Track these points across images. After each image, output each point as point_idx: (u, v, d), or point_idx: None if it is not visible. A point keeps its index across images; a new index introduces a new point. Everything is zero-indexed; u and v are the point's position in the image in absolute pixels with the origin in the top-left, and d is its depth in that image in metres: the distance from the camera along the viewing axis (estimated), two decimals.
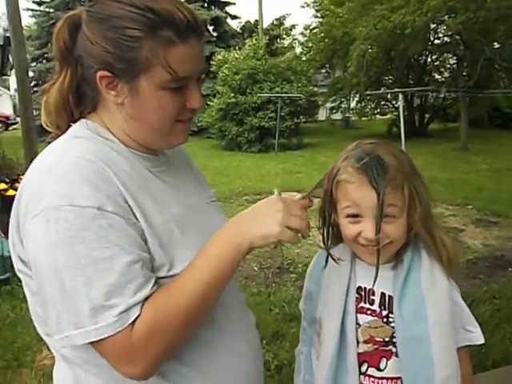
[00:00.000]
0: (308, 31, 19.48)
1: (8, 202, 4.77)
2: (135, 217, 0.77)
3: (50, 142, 0.86)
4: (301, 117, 15.45)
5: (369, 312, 1.01)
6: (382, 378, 1.00)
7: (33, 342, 2.96)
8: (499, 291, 3.70)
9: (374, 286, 0.99)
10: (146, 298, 0.74)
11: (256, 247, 0.80)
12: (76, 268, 0.70)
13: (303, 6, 18.01)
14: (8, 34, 7.16)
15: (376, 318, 1.00)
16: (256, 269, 4.37)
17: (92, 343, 0.72)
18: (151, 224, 0.79)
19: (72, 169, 0.75)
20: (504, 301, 3.51)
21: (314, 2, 18.70)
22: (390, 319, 0.99)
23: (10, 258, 4.08)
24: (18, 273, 0.83)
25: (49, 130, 0.88)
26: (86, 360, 0.80)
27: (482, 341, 1.02)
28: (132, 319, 0.72)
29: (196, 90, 0.84)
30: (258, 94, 14.04)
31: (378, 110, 20.53)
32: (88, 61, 0.81)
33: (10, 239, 0.81)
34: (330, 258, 1.04)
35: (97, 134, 0.84)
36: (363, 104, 19.44)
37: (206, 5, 20.81)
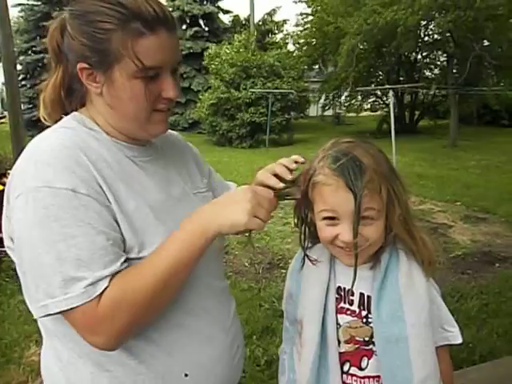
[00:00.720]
0: (300, 26, 19.46)
1: None
2: (108, 200, 0.83)
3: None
4: (292, 113, 15.47)
5: (348, 312, 1.00)
6: (364, 377, 1.00)
7: (20, 338, 2.94)
8: (487, 286, 3.74)
9: (352, 287, 0.98)
10: (116, 274, 0.80)
11: (225, 234, 0.86)
12: (50, 244, 0.77)
13: (295, 2, 17.95)
14: None
15: (356, 318, 1.00)
16: (246, 264, 4.38)
17: (63, 313, 0.78)
18: (123, 208, 0.84)
19: (50, 155, 0.81)
20: (491, 296, 3.55)
21: None
22: (370, 319, 0.98)
23: None
24: (7, 250, 0.89)
25: (47, 123, 0.94)
26: (64, 333, 0.87)
27: (459, 340, 1.01)
28: (99, 292, 0.77)
29: (169, 80, 0.88)
30: (250, 90, 14.02)
31: (369, 106, 20.62)
32: (71, 56, 0.88)
33: (3, 218, 0.87)
34: (306, 263, 1.04)
35: (82, 125, 0.90)
36: (351, 99, 19.49)
37: (198, 0, 20.69)
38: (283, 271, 4.13)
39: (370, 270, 1.00)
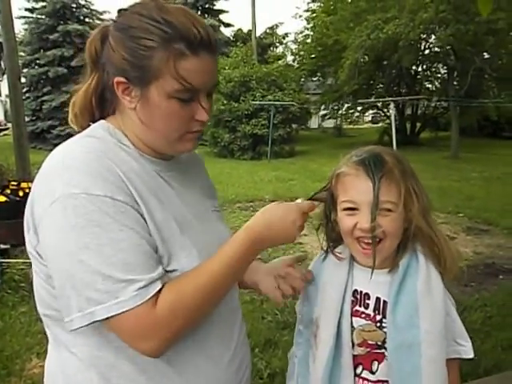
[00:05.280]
0: (300, 38, 19.62)
1: None
2: (140, 209, 0.84)
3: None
4: (293, 125, 15.53)
5: (363, 315, 1.02)
6: (377, 382, 1.00)
7: (22, 350, 2.92)
8: (490, 299, 3.72)
9: (371, 276, 0.99)
10: (164, 278, 0.81)
11: None
12: (95, 249, 0.76)
13: (295, 17, 18.14)
14: (0, 40, 7.15)
15: (370, 321, 1.01)
16: None
17: (110, 320, 0.77)
18: (153, 218, 0.85)
19: (83, 162, 0.81)
20: (495, 308, 3.53)
21: (307, 10, 18.86)
22: (384, 324, 0.99)
23: None
24: (29, 254, 0.88)
25: (74, 127, 0.96)
26: (74, 343, 0.86)
27: (471, 355, 1.01)
28: (152, 294, 0.78)
29: (205, 103, 0.89)
30: (251, 102, 14.10)
31: (370, 118, 20.69)
32: (109, 67, 0.89)
33: (25, 224, 0.87)
34: (328, 259, 1.07)
35: (110, 135, 0.90)
36: (352, 111, 19.61)
37: (199, 13, 20.92)
38: None
39: (388, 274, 1.01)
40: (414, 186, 0.99)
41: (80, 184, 0.78)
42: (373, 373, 1.00)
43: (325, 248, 1.09)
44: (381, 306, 1.00)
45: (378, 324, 1.00)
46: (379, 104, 18.33)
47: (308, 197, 1.02)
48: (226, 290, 0.88)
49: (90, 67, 0.93)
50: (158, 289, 0.79)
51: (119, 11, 0.90)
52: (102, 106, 0.95)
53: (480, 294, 3.83)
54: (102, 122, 0.93)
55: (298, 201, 0.96)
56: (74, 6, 18.75)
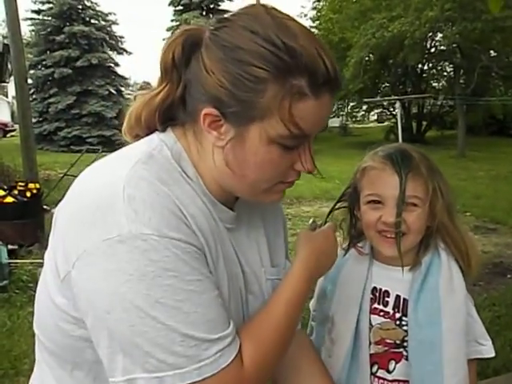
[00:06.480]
0: None
1: (6, 209, 4.75)
2: (207, 257, 0.70)
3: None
4: None
5: (382, 313, 1.01)
6: (392, 381, 1.00)
7: (30, 350, 2.93)
8: (499, 298, 3.69)
9: (402, 271, 0.99)
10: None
11: None
12: (171, 304, 0.62)
13: (300, 16, 18.11)
14: (7, 42, 7.20)
15: (389, 319, 1.01)
16: None
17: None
18: (216, 270, 0.72)
19: (149, 194, 0.64)
20: (504, 308, 3.50)
21: (314, 9, 18.81)
22: (403, 322, 0.99)
23: (7, 265, 4.02)
24: (47, 261, 0.73)
25: (126, 139, 0.79)
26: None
27: (492, 354, 1.02)
28: (236, 352, 0.66)
29: (309, 152, 0.72)
30: None
31: (375, 117, 20.65)
32: (197, 90, 0.69)
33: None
34: (348, 256, 1.07)
35: (173, 158, 0.71)
36: (358, 110, 19.58)
37: (204, 13, 20.94)
38: None
39: (410, 271, 1.01)
40: (440, 182, 0.99)
41: (151, 223, 0.62)
42: (389, 372, 1.00)
43: (345, 246, 1.08)
44: (401, 304, 1.00)
45: (398, 322, 1.00)
46: (385, 103, 18.25)
47: (315, 218, 0.97)
48: (296, 325, 0.78)
49: (160, 75, 0.73)
50: (239, 344, 0.67)
51: (221, 19, 0.70)
52: (167, 122, 0.75)
53: (488, 294, 3.80)
54: (164, 140, 0.73)
55: (310, 221, 0.93)
56: (80, 7, 18.86)
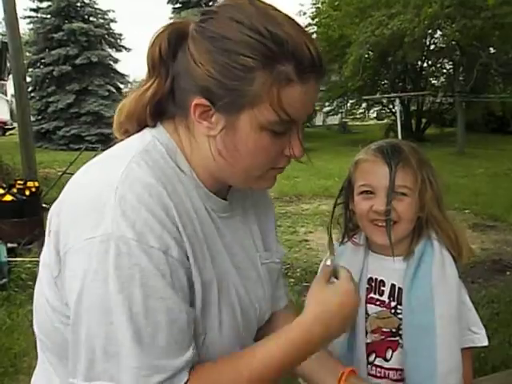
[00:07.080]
0: None
1: (5, 208, 4.75)
2: (190, 266, 0.69)
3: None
4: None
5: (378, 303, 1.05)
6: (389, 369, 1.03)
7: (29, 348, 2.94)
8: (497, 295, 3.70)
9: (393, 258, 1.01)
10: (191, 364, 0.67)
11: None
12: (126, 314, 0.61)
13: (299, 14, 18.06)
14: (5, 40, 7.18)
15: (384, 308, 1.04)
16: None
17: None
18: (202, 278, 0.71)
19: (140, 197, 0.64)
20: (502, 305, 3.51)
21: (314, 4, 18.76)
22: (398, 310, 1.02)
23: (7, 263, 4.02)
24: (42, 267, 0.76)
25: (116, 134, 0.79)
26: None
27: (485, 343, 1.05)
28: None
29: (298, 137, 0.73)
30: None
31: (375, 115, 20.66)
32: (186, 82, 0.70)
33: (46, 229, 0.73)
34: (344, 248, 1.10)
35: (168, 155, 0.72)
36: (357, 107, 19.59)
37: None
38: (292, 280, 4.11)
39: (403, 261, 1.04)
40: (430, 174, 1.03)
41: (135, 227, 0.62)
42: (387, 360, 1.03)
43: (340, 239, 1.11)
44: (396, 293, 1.03)
45: (393, 311, 1.03)
46: (384, 100, 18.25)
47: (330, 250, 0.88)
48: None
49: (148, 70, 0.74)
50: (184, 381, 0.65)
51: (206, 11, 0.71)
52: (157, 116, 0.76)
53: (487, 291, 3.81)
54: (156, 135, 0.74)
55: (328, 262, 0.81)
56: (79, 4, 18.83)
